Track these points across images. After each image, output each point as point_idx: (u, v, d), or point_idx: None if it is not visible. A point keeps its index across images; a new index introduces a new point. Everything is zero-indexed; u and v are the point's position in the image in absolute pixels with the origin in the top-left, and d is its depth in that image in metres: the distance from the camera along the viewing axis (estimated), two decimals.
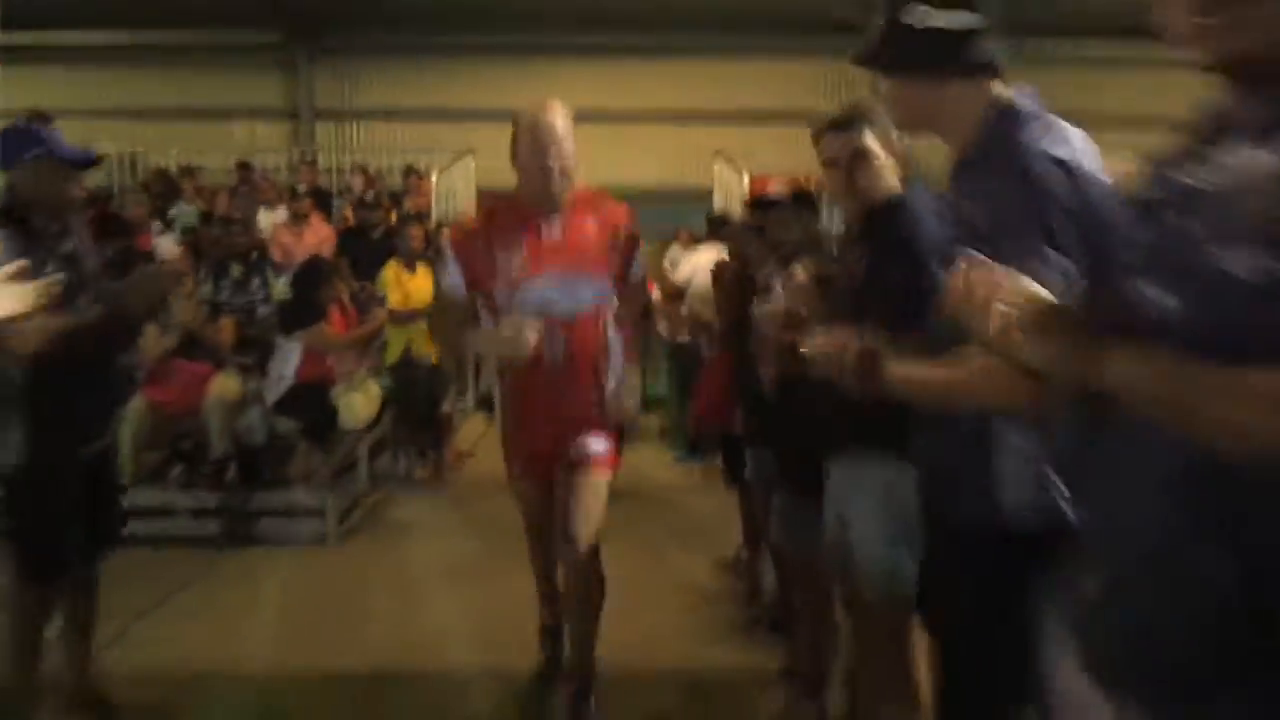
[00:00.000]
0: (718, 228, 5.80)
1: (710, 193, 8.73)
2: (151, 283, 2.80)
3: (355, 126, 10.19)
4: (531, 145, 2.50)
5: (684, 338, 5.77)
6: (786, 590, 3.32)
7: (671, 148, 9.42)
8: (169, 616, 3.79)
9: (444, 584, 4.17)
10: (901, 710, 2.22)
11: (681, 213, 7.98)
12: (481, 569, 4.24)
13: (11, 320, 1.99)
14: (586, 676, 2.74)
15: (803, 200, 2.81)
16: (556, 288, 2.56)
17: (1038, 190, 1.30)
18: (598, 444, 2.67)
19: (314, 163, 9.20)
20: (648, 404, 6.50)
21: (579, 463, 2.66)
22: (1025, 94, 1.45)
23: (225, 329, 5.22)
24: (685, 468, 6.27)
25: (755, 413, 3.13)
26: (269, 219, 7.59)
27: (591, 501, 2.66)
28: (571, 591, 2.72)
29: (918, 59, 1.47)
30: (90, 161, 2.65)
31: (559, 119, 2.52)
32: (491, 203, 3.05)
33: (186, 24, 9.12)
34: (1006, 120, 1.41)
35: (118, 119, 9.05)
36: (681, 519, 5.17)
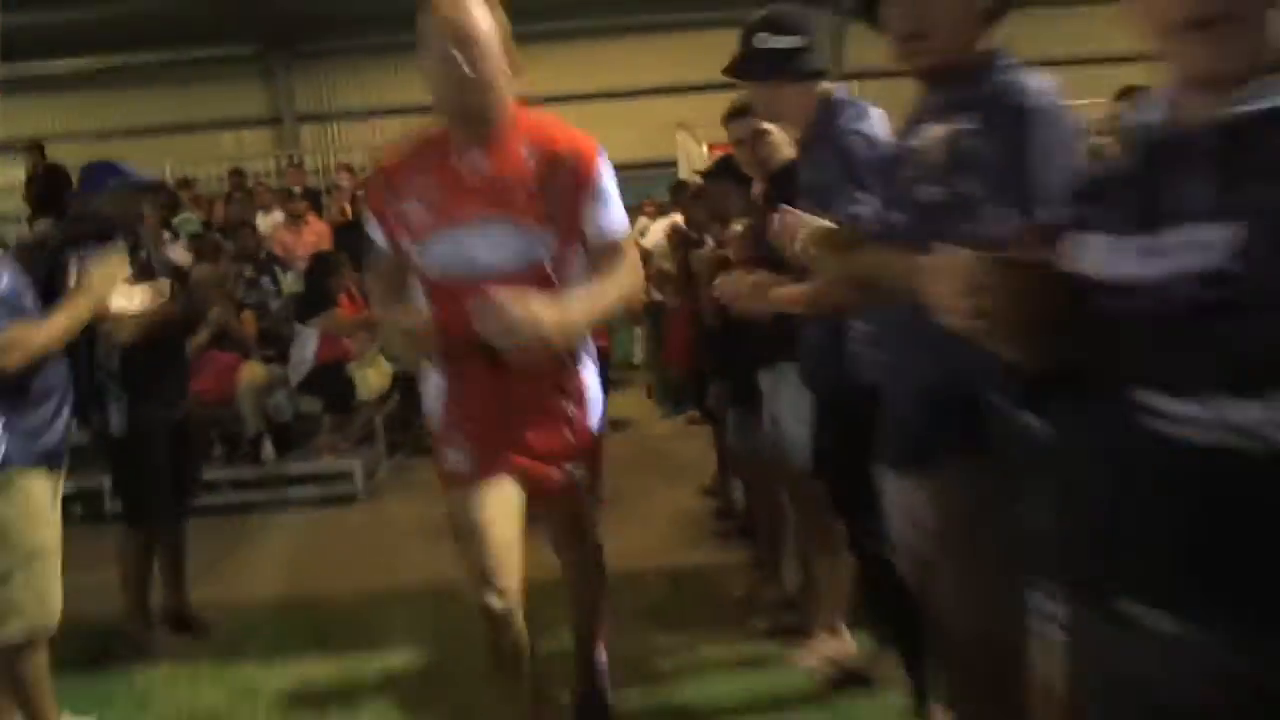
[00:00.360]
0: (678, 195, 6.40)
1: (675, 163, 9.31)
2: (212, 282, 3.40)
3: (336, 127, 10.72)
4: (437, 46, 1.84)
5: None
6: (752, 501, 3.99)
7: (637, 123, 9.95)
8: (238, 563, 4.44)
9: None
10: (833, 560, 2.88)
11: (650, 184, 8.57)
12: None
13: (118, 314, 2.62)
14: (594, 675, 2.53)
15: (728, 170, 3.40)
16: (480, 240, 1.96)
17: (848, 158, 1.94)
18: (573, 470, 2.19)
19: (301, 165, 9.73)
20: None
21: (562, 493, 2.20)
22: (841, 89, 2.08)
23: (248, 322, 5.83)
24: (671, 420, 6.93)
25: (708, 349, 3.77)
26: (266, 221, 8.15)
27: (587, 523, 2.37)
28: (573, 586, 2.48)
29: (762, 71, 2.10)
30: (157, 185, 3.25)
31: (475, 8, 1.86)
32: (408, 136, 2.16)
33: (169, 44, 9.61)
34: (827, 110, 2.04)
35: (113, 140, 9.54)
36: (668, 461, 5.82)
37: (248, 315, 5.90)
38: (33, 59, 9.39)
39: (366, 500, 5.41)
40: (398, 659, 3.23)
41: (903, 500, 1.73)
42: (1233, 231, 0.90)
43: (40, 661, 2.41)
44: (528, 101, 2.03)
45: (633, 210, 7.59)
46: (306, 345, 5.47)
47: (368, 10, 9.53)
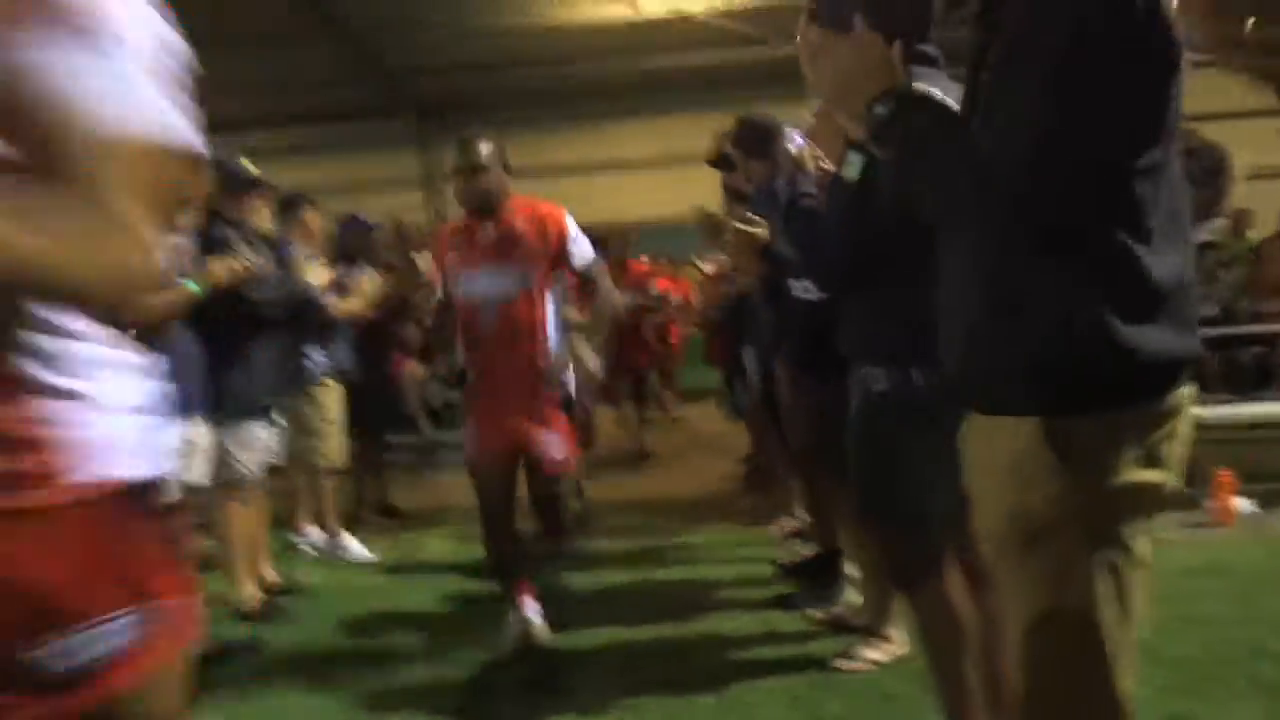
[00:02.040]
0: None
1: None
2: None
3: None
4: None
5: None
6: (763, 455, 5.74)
7: (706, 185, 11.76)
8: (412, 492, 6.42)
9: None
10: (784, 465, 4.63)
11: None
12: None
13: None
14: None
15: None
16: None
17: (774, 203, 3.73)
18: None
19: (446, 218, 11.92)
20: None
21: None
22: None
23: (412, 332, 7.91)
24: (730, 422, 8.68)
25: (724, 346, 5.59)
26: (421, 260, 10.32)
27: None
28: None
29: (725, 165, 3.93)
30: (377, 227, 5.31)
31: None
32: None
33: (345, 119, 12.09)
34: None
35: None
36: (720, 447, 7.58)
37: (413, 326, 7.99)
38: (241, 134, 12.01)
39: None
40: None
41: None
42: None
43: (331, 485, 4.41)
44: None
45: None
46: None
47: (501, 92, 11.79)
